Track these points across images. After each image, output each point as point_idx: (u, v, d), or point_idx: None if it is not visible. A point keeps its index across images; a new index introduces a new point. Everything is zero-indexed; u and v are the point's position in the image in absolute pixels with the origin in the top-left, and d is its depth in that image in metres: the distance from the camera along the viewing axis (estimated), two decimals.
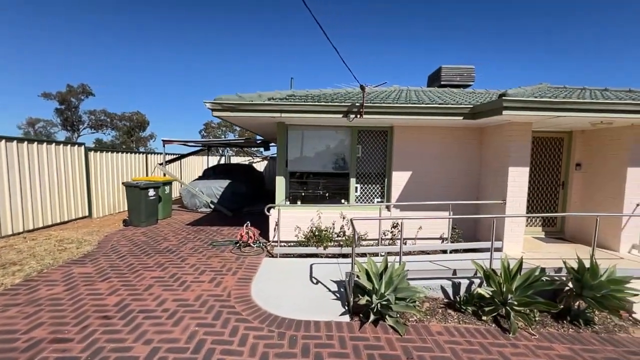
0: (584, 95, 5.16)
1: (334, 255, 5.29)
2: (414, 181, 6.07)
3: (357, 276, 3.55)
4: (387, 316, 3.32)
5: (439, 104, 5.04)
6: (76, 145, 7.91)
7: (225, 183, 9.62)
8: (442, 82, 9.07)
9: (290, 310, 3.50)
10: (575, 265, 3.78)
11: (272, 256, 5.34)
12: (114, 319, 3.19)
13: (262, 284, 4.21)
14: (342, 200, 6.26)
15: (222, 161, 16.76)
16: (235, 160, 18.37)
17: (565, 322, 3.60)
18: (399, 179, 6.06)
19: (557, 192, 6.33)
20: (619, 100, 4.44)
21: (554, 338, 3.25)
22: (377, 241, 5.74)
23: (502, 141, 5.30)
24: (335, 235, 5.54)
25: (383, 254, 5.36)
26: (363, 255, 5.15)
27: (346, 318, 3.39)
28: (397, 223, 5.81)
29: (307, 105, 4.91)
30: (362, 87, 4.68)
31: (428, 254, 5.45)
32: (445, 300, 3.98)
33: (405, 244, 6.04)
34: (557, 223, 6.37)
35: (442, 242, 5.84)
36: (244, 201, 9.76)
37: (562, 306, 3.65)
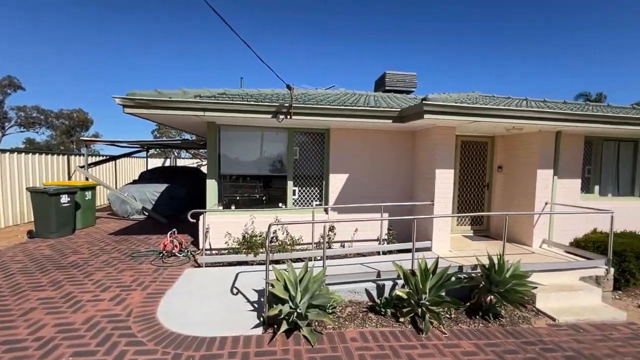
0: (500, 103, 5.56)
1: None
2: (351, 184, 6.07)
3: (272, 285, 3.33)
4: (303, 326, 3.15)
5: (370, 107, 5.07)
6: None
7: (162, 187, 8.86)
8: (387, 87, 9.33)
9: (197, 327, 3.17)
10: (491, 262, 3.97)
11: (199, 266, 4.92)
12: None
13: (175, 297, 3.80)
14: (280, 204, 6.04)
15: (168, 163, 15.61)
16: (187, 162, 17.25)
17: (477, 317, 3.74)
18: (337, 182, 6.01)
19: (484, 192, 6.76)
20: (525, 108, 4.83)
21: (463, 335, 3.33)
22: (312, 245, 5.60)
23: (430, 144, 5.49)
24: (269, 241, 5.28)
25: (319, 257, 5.25)
26: (298, 260, 4.98)
27: (259, 331, 3.15)
28: (333, 226, 5.75)
29: (233, 104, 4.62)
30: (289, 87, 4.53)
31: (364, 255, 5.44)
32: (369, 304, 3.93)
33: (343, 246, 6.00)
34: (484, 222, 6.80)
35: (379, 243, 5.88)
36: (183, 206, 9.04)
37: (469, 304, 3.80)
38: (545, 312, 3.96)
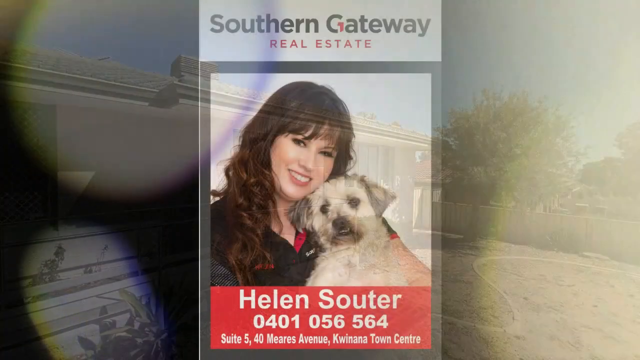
0: None
1: None
2: (104, 184, 4.44)
3: None
4: None
5: (104, 80, 3.69)
6: None
7: None
8: (183, 74, 7.97)
9: None
10: None
11: None
12: None
13: None
14: None
15: None
16: None
17: None
18: (76, 182, 4.23)
19: None
20: None
21: None
22: None
23: None
24: None
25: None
26: None
27: None
28: (61, 247, 4.00)
29: None
30: None
31: (119, 280, 4.12)
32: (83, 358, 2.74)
33: (90, 271, 4.32)
34: None
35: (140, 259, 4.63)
36: None
37: None
38: None
